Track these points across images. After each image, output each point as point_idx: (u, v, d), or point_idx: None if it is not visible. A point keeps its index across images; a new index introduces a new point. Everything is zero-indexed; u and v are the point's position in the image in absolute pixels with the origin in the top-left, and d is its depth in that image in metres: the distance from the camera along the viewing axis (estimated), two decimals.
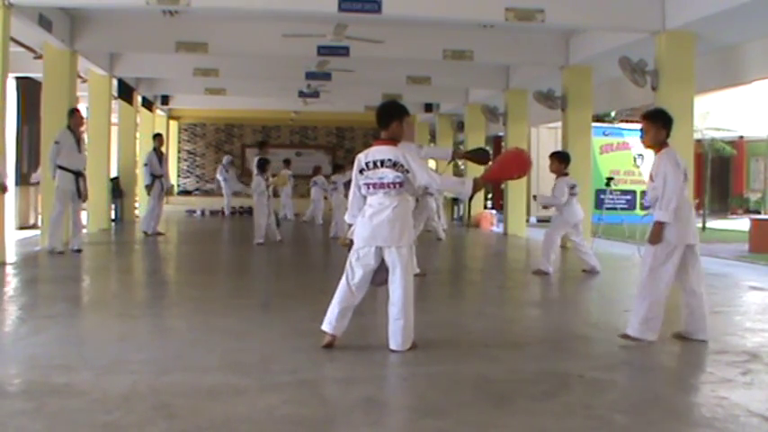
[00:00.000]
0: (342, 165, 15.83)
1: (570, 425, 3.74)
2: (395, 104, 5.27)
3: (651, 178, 5.41)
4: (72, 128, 10.27)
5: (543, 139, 24.55)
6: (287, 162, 21.51)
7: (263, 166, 12.92)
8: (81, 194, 10.46)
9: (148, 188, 14.05)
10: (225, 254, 12.35)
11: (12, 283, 8.15)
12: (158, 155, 14.22)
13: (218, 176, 22.18)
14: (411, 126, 5.30)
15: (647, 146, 5.57)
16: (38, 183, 10.28)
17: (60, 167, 10.12)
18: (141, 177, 16.93)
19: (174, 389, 4.18)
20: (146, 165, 14.22)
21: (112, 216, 16.39)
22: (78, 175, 10.28)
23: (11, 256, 9.85)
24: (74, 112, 10.48)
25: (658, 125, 5.48)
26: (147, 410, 3.78)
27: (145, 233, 13.78)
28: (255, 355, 4.96)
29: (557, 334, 6.14)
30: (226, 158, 22.67)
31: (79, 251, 10.44)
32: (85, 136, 16.79)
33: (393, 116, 5.07)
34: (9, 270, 8.84)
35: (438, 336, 5.63)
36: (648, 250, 5.38)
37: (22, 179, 15.76)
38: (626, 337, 5.40)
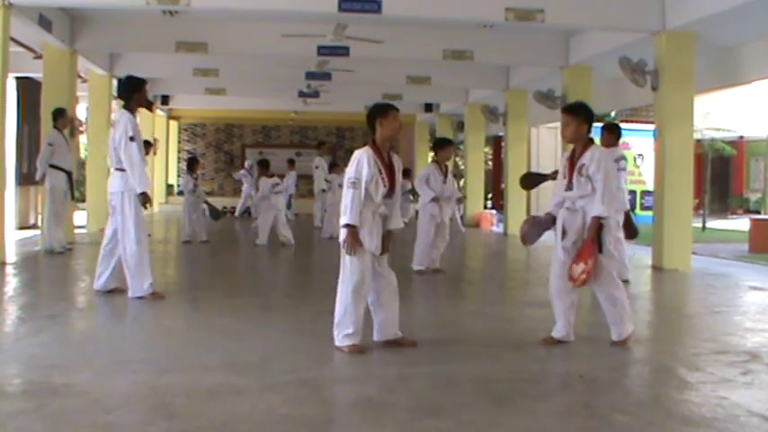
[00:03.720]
0: (338, 164, 15.75)
1: (570, 425, 3.74)
2: (371, 108, 5.25)
3: (581, 171, 5.21)
4: (59, 128, 10.27)
5: (543, 139, 24.56)
6: (291, 162, 21.53)
7: (191, 165, 13.06)
8: (72, 194, 10.53)
9: None
10: (223, 254, 12.33)
11: (12, 283, 8.14)
12: None
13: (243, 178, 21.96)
14: (393, 122, 5.13)
15: (568, 141, 5.41)
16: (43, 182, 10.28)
17: (55, 167, 10.13)
18: None
19: (174, 389, 4.17)
20: None
21: None
22: (69, 174, 10.32)
23: (11, 256, 9.85)
24: (62, 112, 10.47)
25: (580, 119, 5.32)
26: (147, 410, 3.78)
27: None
28: (255, 354, 4.96)
29: None
30: (248, 163, 22.61)
31: (63, 252, 10.42)
32: (84, 136, 16.82)
33: (370, 120, 5.13)
34: (9, 270, 8.83)
35: (438, 336, 5.63)
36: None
37: (23, 179, 15.75)
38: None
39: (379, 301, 5.10)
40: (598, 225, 5.14)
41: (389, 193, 5.08)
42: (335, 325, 5.01)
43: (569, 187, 5.29)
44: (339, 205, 5.07)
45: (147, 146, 14.29)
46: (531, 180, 8.89)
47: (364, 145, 5.16)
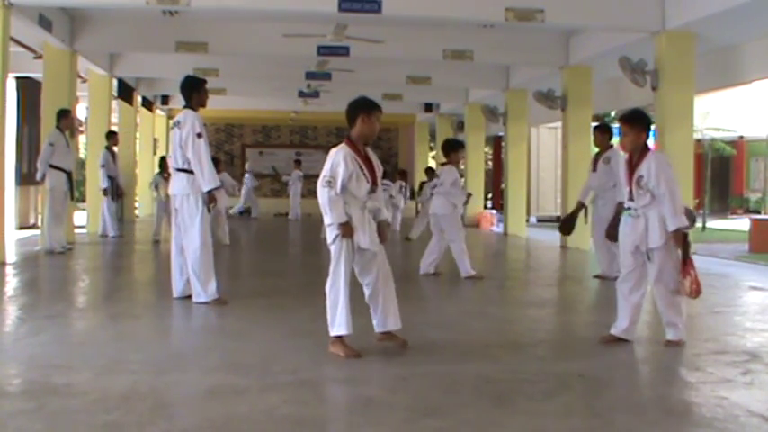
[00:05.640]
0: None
1: (570, 425, 3.74)
2: (357, 101, 5.11)
3: (639, 183, 5.22)
4: (62, 128, 10.26)
5: (543, 139, 24.58)
6: (298, 162, 21.58)
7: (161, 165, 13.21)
8: (72, 194, 10.53)
9: (106, 191, 13.21)
10: (221, 253, 12.34)
11: (12, 283, 8.14)
12: (112, 154, 13.56)
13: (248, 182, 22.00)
14: (374, 122, 5.07)
15: (627, 150, 5.41)
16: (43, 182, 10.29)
17: (55, 167, 10.12)
18: (142, 177, 16.80)
19: (174, 389, 4.18)
20: (102, 166, 13.26)
21: None
22: (69, 174, 10.31)
23: (11, 256, 9.85)
24: (67, 113, 10.46)
25: (637, 128, 5.32)
26: (147, 410, 3.78)
27: (104, 236, 13.24)
28: (255, 355, 4.96)
29: (557, 334, 6.15)
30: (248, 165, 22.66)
31: (63, 252, 10.41)
32: (84, 136, 16.78)
33: (352, 113, 5.02)
34: (9, 270, 8.84)
35: (438, 336, 5.63)
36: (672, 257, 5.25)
37: (23, 179, 15.75)
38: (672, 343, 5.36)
39: (375, 292, 5.05)
40: (682, 237, 5.15)
41: (373, 187, 5.02)
42: (330, 322, 4.97)
43: (631, 197, 5.33)
44: None
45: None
46: (569, 222, 8.97)
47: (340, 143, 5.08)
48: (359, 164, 4.94)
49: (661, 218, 5.19)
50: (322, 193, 4.87)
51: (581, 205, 8.78)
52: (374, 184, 5.02)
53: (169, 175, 12.74)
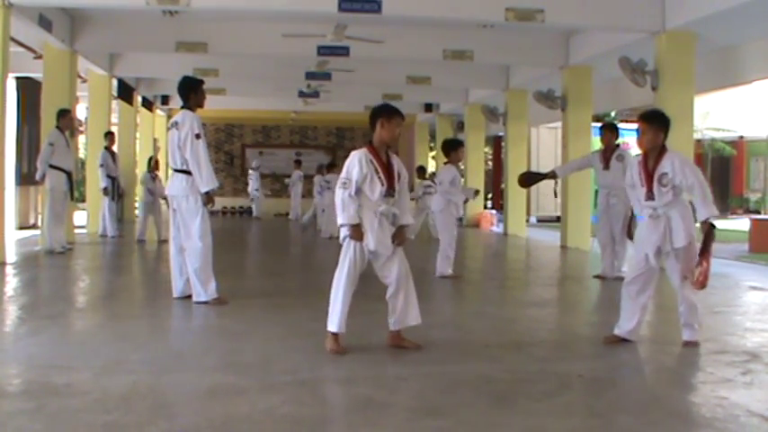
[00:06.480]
0: (336, 164, 15.70)
1: (570, 425, 3.74)
2: (378, 106, 5.26)
3: (662, 181, 5.22)
4: (61, 128, 10.26)
5: (543, 139, 24.59)
6: (298, 162, 21.59)
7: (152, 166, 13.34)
8: (72, 194, 10.53)
9: (106, 190, 13.21)
10: (221, 253, 12.34)
11: (12, 283, 8.14)
12: (111, 154, 13.54)
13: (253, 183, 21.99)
14: (394, 127, 5.13)
15: (645, 149, 5.41)
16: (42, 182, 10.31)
17: (54, 167, 10.12)
18: (138, 177, 16.73)
19: (174, 389, 4.18)
20: (101, 165, 13.25)
21: None
22: (69, 174, 10.31)
23: (11, 256, 9.85)
24: (66, 113, 10.46)
25: (656, 127, 5.35)
26: (146, 410, 3.78)
27: (104, 236, 13.26)
28: (255, 355, 4.96)
29: (557, 334, 6.15)
30: (256, 162, 22.59)
31: (62, 252, 10.42)
32: (84, 136, 16.78)
33: (372, 118, 5.13)
34: (9, 270, 8.84)
35: (438, 336, 5.63)
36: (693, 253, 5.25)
37: (23, 179, 15.75)
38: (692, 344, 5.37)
39: (396, 290, 5.08)
40: (709, 227, 5.17)
41: (389, 191, 5.04)
42: (329, 316, 5.01)
43: (650, 197, 5.30)
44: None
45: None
46: (530, 178, 9.05)
47: (365, 145, 5.16)
48: (375, 167, 5.00)
49: (683, 217, 5.21)
50: (337, 193, 4.98)
51: (553, 175, 8.84)
52: (390, 188, 5.05)
53: (157, 174, 12.99)
